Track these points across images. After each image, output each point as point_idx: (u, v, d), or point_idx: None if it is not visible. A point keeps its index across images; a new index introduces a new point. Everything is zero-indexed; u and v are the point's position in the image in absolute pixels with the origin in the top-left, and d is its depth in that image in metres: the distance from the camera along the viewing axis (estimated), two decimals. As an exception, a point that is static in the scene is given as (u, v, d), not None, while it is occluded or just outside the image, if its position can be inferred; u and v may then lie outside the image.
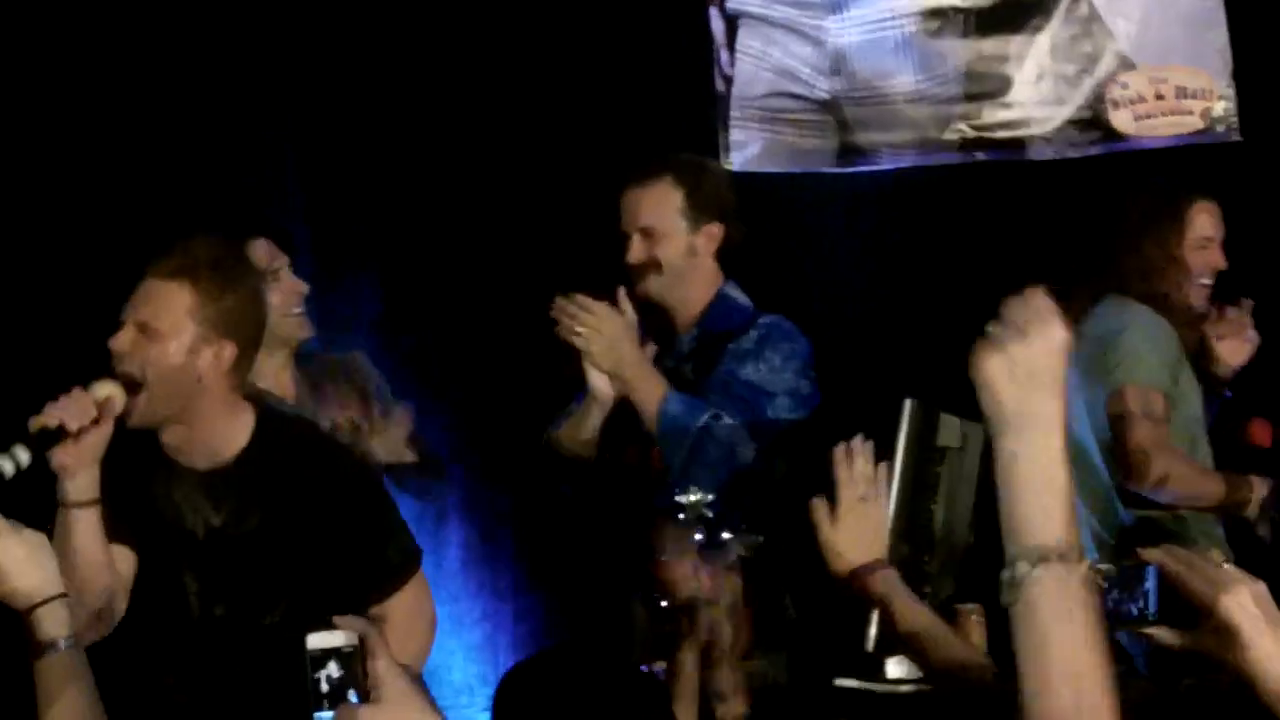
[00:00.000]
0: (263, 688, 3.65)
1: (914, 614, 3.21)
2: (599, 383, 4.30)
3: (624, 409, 4.32)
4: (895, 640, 3.33)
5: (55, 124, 5.49)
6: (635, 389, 4.26)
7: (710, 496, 3.70)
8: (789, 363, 4.33)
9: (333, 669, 2.19)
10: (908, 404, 3.91)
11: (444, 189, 5.98)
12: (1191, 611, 2.23)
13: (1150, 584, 2.25)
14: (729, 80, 5.79)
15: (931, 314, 5.46)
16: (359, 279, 5.99)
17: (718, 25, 5.79)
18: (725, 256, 4.44)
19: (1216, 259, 4.68)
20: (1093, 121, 5.52)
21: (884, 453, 3.77)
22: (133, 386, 3.63)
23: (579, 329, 4.23)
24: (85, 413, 3.56)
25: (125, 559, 3.77)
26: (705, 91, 5.77)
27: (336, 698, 2.18)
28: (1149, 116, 5.47)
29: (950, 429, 3.95)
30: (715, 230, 4.39)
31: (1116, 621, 2.26)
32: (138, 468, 3.75)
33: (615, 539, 4.30)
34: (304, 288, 4.64)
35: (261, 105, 5.84)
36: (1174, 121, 5.49)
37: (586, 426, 4.38)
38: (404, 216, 6.02)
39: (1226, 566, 2.27)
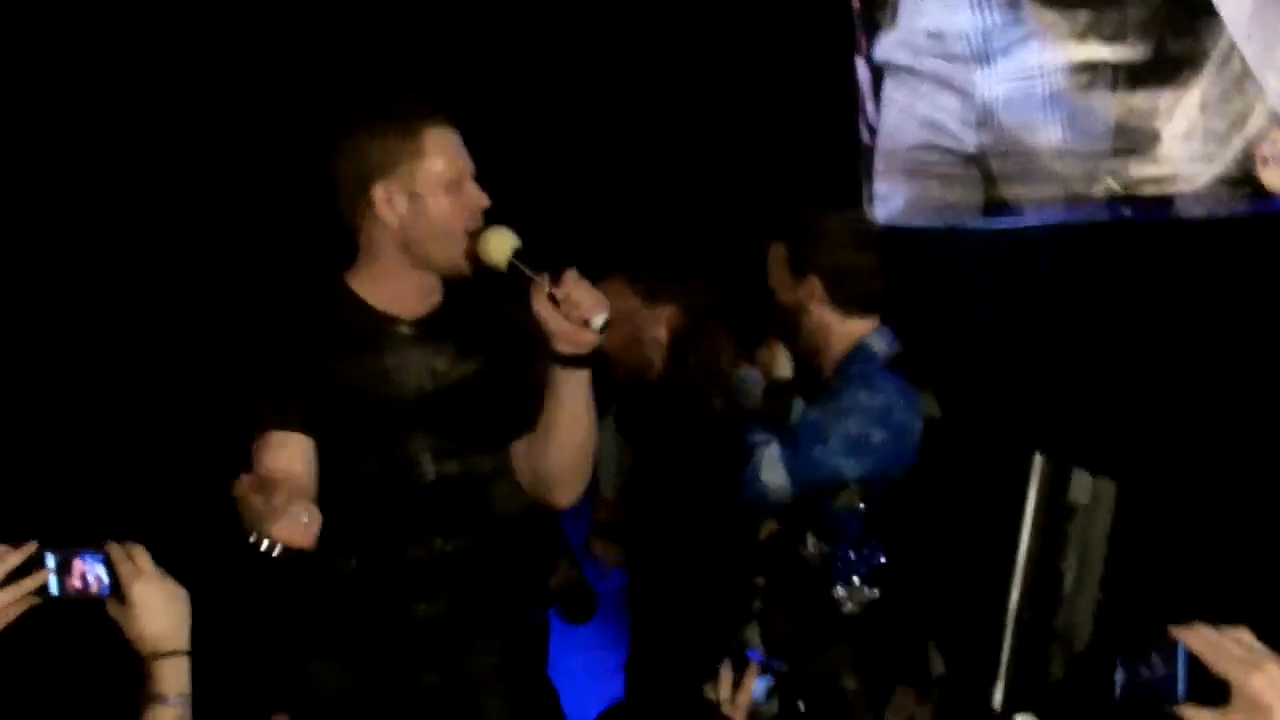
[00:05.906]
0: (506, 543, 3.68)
1: None
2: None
3: None
4: None
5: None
6: None
7: (875, 593, 3.68)
8: (858, 410, 4.30)
9: None
10: (1037, 459, 3.86)
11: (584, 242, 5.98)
12: (1221, 690, 2.19)
13: (1179, 663, 2.22)
14: (874, 131, 5.77)
15: (1072, 369, 5.40)
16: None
17: (864, 76, 5.77)
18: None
19: None
20: (1242, 179, 5.42)
21: (1013, 508, 3.73)
22: None
23: None
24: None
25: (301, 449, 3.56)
26: (850, 143, 5.76)
27: None
28: (1299, 175, 5.37)
29: (1081, 485, 3.88)
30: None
31: (1146, 702, 2.23)
32: (333, 346, 3.61)
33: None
34: None
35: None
36: (1325, 180, 5.39)
37: None
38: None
39: (1255, 644, 2.23)
